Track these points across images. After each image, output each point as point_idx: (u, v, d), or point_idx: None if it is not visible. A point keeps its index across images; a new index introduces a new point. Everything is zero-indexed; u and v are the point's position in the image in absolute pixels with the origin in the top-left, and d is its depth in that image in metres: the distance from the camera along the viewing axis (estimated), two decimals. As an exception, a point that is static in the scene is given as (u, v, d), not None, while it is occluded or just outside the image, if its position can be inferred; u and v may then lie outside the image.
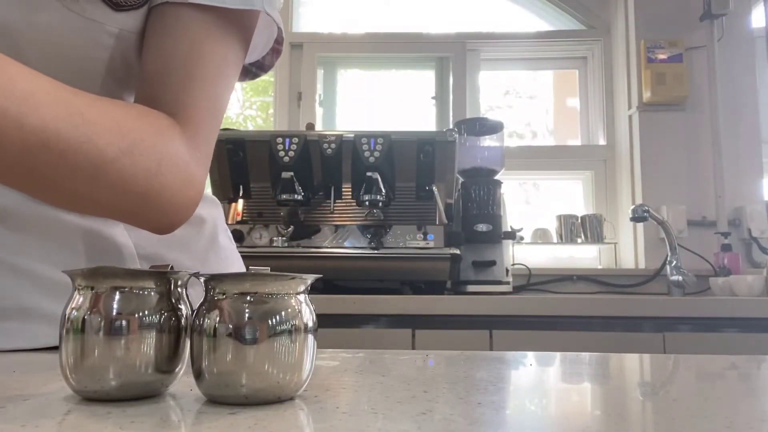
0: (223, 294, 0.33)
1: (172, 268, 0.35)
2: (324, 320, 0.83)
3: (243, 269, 0.72)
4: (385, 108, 2.55)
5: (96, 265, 0.55)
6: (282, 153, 1.62)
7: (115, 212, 0.49)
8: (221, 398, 0.32)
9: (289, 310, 0.33)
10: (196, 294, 0.46)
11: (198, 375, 0.33)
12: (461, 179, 1.90)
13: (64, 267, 0.53)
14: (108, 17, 0.51)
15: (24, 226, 0.54)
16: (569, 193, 2.53)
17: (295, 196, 1.64)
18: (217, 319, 0.32)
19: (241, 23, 0.55)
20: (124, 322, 0.33)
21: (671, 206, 2.14)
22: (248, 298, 0.32)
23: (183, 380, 0.37)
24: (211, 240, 0.68)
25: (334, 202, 1.70)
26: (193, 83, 0.51)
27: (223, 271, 0.69)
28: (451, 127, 2.23)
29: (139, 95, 0.52)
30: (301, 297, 0.34)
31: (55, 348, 0.34)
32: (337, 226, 1.69)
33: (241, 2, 0.52)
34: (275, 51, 0.65)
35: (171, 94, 0.50)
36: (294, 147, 1.63)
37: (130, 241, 0.59)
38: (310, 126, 1.85)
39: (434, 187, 1.71)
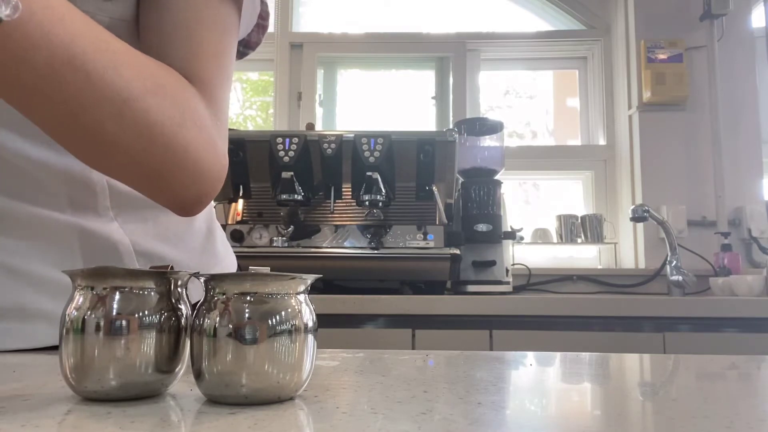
0: (223, 294, 0.33)
1: (171, 268, 0.35)
2: (324, 320, 0.83)
3: (235, 263, 0.73)
4: (385, 108, 2.55)
5: (93, 263, 0.55)
6: (282, 153, 1.62)
7: (140, 167, 0.46)
8: (221, 398, 0.32)
9: (289, 310, 0.33)
10: (195, 289, 0.46)
11: (198, 375, 0.33)
12: (461, 179, 1.90)
13: (61, 266, 0.54)
14: (98, 6, 0.50)
15: (19, 227, 0.54)
16: (569, 193, 2.53)
17: (295, 196, 1.64)
18: (217, 319, 0.32)
19: None
20: (124, 322, 0.33)
21: (671, 206, 2.14)
22: (248, 298, 0.32)
23: (183, 380, 0.37)
24: (207, 234, 0.68)
25: (334, 202, 1.70)
26: (202, 51, 0.51)
27: (220, 266, 0.69)
28: (451, 127, 2.23)
29: None
30: (301, 297, 0.34)
31: (55, 348, 0.34)
32: (337, 226, 1.69)
33: None
34: (260, 27, 0.65)
35: (181, 63, 0.50)
36: (294, 147, 1.63)
37: (126, 238, 0.58)
38: (310, 126, 1.85)
39: (434, 187, 1.71)
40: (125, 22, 0.52)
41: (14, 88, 0.39)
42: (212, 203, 0.72)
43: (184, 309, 0.36)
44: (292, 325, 0.33)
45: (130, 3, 0.52)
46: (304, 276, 0.34)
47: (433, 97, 2.52)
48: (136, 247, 0.59)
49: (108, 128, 0.42)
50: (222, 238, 0.71)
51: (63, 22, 0.38)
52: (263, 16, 0.63)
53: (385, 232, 1.66)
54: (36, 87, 0.39)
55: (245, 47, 0.66)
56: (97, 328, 0.32)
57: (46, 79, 0.38)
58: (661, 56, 2.19)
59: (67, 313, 0.33)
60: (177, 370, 0.35)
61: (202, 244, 0.67)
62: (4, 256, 0.53)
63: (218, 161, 0.50)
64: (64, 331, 0.33)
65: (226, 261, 0.71)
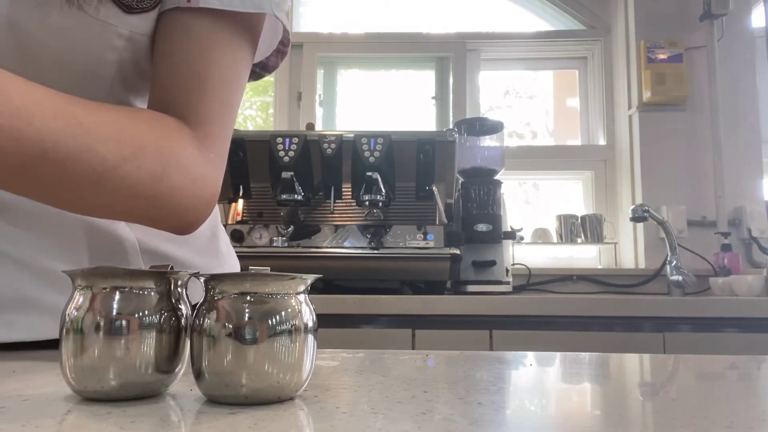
0: (223, 294, 0.33)
1: (172, 268, 0.35)
2: (324, 320, 0.83)
3: (238, 265, 0.73)
4: (385, 108, 2.55)
5: (98, 259, 0.56)
6: (282, 153, 1.62)
7: (126, 216, 0.50)
8: (221, 398, 0.32)
9: (289, 310, 0.33)
10: (196, 289, 0.46)
11: (198, 375, 0.33)
12: (461, 179, 1.90)
13: (66, 260, 0.55)
14: (119, 19, 0.51)
15: (25, 219, 0.54)
16: (569, 193, 2.53)
17: (295, 196, 1.64)
18: (217, 319, 0.32)
19: (248, 26, 0.55)
20: (124, 322, 0.33)
21: (671, 206, 2.14)
22: (248, 298, 0.32)
23: (183, 380, 0.37)
24: (210, 236, 0.68)
25: (334, 202, 1.70)
26: (204, 88, 0.52)
27: (224, 268, 0.69)
28: (451, 127, 2.23)
29: (151, 100, 0.53)
30: (301, 297, 0.34)
31: (56, 342, 0.34)
32: (337, 226, 1.69)
33: (250, 5, 0.53)
34: (280, 53, 0.65)
35: (182, 99, 0.51)
36: (294, 147, 1.63)
37: (132, 235, 0.59)
38: (310, 126, 1.85)
39: (434, 187, 1.71)
40: (145, 37, 0.53)
41: None
42: (216, 206, 0.72)
43: (184, 309, 0.36)
44: (292, 325, 0.33)
45: (151, 20, 0.53)
46: (304, 276, 0.34)
47: (433, 97, 2.52)
48: (142, 245, 0.59)
49: (88, 198, 0.45)
50: (225, 241, 0.72)
51: (32, 123, 0.39)
52: (284, 42, 0.64)
53: (385, 232, 1.66)
54: (12, 180, 0.41)
55: (262, 69, 0.67)
56: (97, 328, 0.32)
57: (21, 174, 0.41)
58: (661, 56, 2.19)
59: (67, 313, 0.33)
60: (177, 370, 0.35)
61: (206, 245, 0.67)
62: (11, 247, 0.54)
63: (207, 193, 0.52)
64: (64, 331, 0.33)
65: (230, 263, 0.71)
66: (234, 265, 0.73)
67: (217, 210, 0.72)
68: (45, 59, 0.45)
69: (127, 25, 0.51)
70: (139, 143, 0.46)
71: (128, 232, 0.59)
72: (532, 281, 2.12)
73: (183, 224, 0.52)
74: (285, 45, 0.64)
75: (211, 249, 0.68)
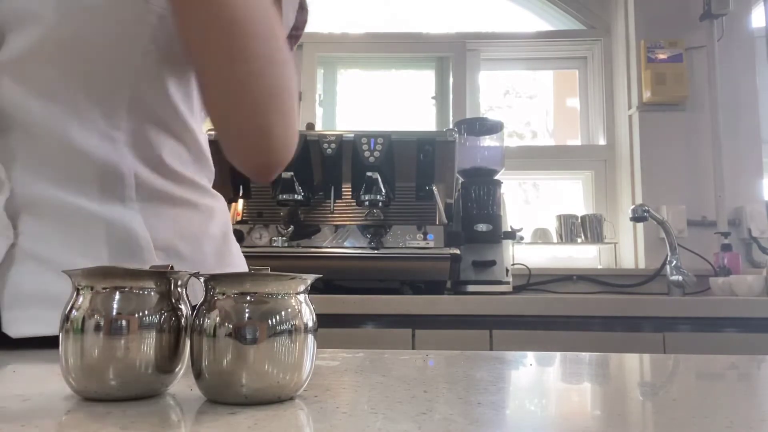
0: (223, 294, 0.33)
1: (172, 268, 0.35)
2: (324, 320, 0.83)
3: (246, 265, 0.74)
4: (385, 108, 2.55)
5: (116, 254, 0.57)
6: (282, 153, 1.62)
7: (255, 124, 0.55)
8: (221, 398, 0.32)
9: (289, 310, 0.33)
10: (199, 289, 0.46)
11: (198, 375, 0.33)
12: (461, 179, 1.90)
13: (86, 255, 0.56)
14: (147, 8, 0.54)
15: (47, 215, 0.55)
16: (569, 193, 2.53)
17: (295, 196, 1.64)
18: (217, 319, 0.32)
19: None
20: (124, 322, 0.33)
21: (671, 206, 2.14)
22: (248, 298, 0.32)
23: (183, 380, 0.37)
24: (222, 238, 0.69)
25: (334, 202, 1.70)
26: None
27: (237, 266, 0.70)
28: (451, 127, 2.23)
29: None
30: (301, 297, 0.34)
31: (57, 346, 0.34)
32: (337, 226, 1.69)
33: None
34: (293, 38, 0.66)
35: None
36: (294, 147, 1.63)
37: (147, 233, 0.59)
38: (310, 126, 1.85)
39: (434, 187, 1.71)
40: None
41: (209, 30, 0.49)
42: (226, 205, 0.73)
43: (184, 309, 0.36)
44: (292, 325, 0.33)
45: None
46: (304, 276, 0.34)
47: (433, 97, 2.52)
48: (156, 243, 0.60)
49: (249, 78, 0.51)
50: (235, 243, 0.74)
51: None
52: (298, 26, 0.66)
53: (385, 232, 1.66)
54: (204, 29, 0.49)
55: None
56: (97, 328, 0.32)
57: (214, 28, 0.49)
58: (661, 56, 2.19)
59: (67, 313, 0.33)
60: (177, 370, 0.35)
61: (219, 246, 0.68)
62: (32, 243, 0.54)
63: (295, 141, 0.59)
64: (64, 331, 0.33)
65: (240, 265, 0.73)
66: (242, 268, 0.73)
67: (227, 213, 0.73)
68: (79, 25, 0.51)
69: (158, 4, 0.55)
70: (287, 57, 0.54)
71: (144, 228, 0.59)
72: (532, 281, 2.12)
73: (277, 161, 0.58)
74: (297, 29, 0.66)
75: (224, 250, 0.69)
